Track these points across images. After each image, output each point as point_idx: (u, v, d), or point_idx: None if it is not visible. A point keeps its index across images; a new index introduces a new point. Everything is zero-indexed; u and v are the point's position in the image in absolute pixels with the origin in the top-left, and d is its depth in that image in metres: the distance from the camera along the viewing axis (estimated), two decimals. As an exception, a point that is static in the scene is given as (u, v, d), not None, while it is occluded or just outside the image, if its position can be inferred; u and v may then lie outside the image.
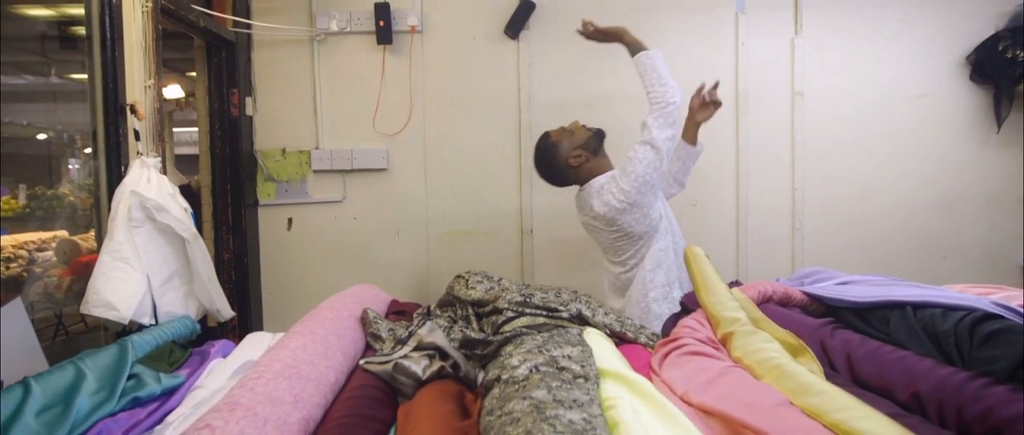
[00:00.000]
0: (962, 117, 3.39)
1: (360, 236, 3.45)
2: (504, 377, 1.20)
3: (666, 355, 1.37)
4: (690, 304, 1.79)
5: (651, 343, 1.61)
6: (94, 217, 2.29)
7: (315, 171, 3.42)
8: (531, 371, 1.18)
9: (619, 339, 1.61)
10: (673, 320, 1.81)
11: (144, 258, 1.98)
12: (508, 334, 1.42)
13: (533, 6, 3.28)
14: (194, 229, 2.12)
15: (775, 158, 3.38)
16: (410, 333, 1.47)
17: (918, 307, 1.41)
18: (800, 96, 3.36)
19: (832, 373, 1.28)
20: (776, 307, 1.63)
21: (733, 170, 3.37)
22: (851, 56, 3.38)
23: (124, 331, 1.94)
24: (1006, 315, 1.33)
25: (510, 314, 1.54)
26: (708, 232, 3.37)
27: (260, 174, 3.41)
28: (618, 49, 3.33)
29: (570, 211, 3.38)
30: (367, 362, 1.37)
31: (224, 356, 1.67)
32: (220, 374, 1.50)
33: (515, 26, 3.31)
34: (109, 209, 2.02)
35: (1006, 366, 1.12)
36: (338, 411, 1.17)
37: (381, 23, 3.27)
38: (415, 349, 1.41)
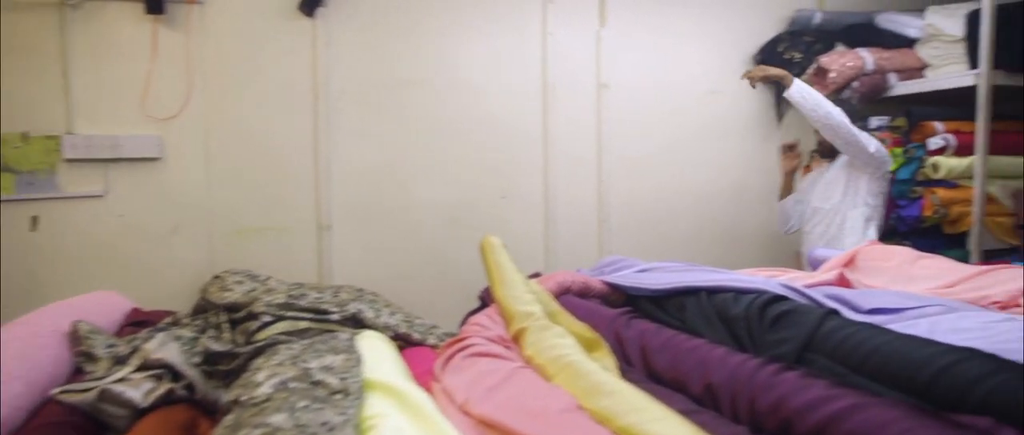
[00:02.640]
0: (749, 113, 3.61)
1: (128, 236, 2.93)
2: (243, 398, 0.95)
3: (450, 357, 1.20)
4: (487, 299, 1.64)
5: (441, 343, 1.43)
6: None
7: (68, 160, 2.86)
8: (276, 389, 0.95)
9: (405, 342, 1.41)
10: (470, 317, 1.66)
11: None
12: (260, 343, 1.17)
13: (330, -19, 3.00)
14: None
15: (582, 149, 3.36)
16: (134, 349, 1.16)
17: (712, 292, 1.38)
18: (606, 88, 3.38)
19: (627, 368, 1.19)
20: (574, 298, 1.53)
21: (541, 161, 3.31)
22: (652, 51, 3.45)
23: None
24: (792, 296, 1.32)
25: (267, 319, 1.28)
26: (517, 224, 3.28)
27: (-8, 163, 2.80)
28: (426, 30, 3.18)
29: (375, 206, 3.14)
30: (63, 391, 1.05)
31: None
32: None
33: (311, 3, 3.00)
34: None
35: (793, 347, 1.08)
36: (-8, 465, 0.86)
37: (150, -11, 2.81)
38: (138, 369, 1.11)
